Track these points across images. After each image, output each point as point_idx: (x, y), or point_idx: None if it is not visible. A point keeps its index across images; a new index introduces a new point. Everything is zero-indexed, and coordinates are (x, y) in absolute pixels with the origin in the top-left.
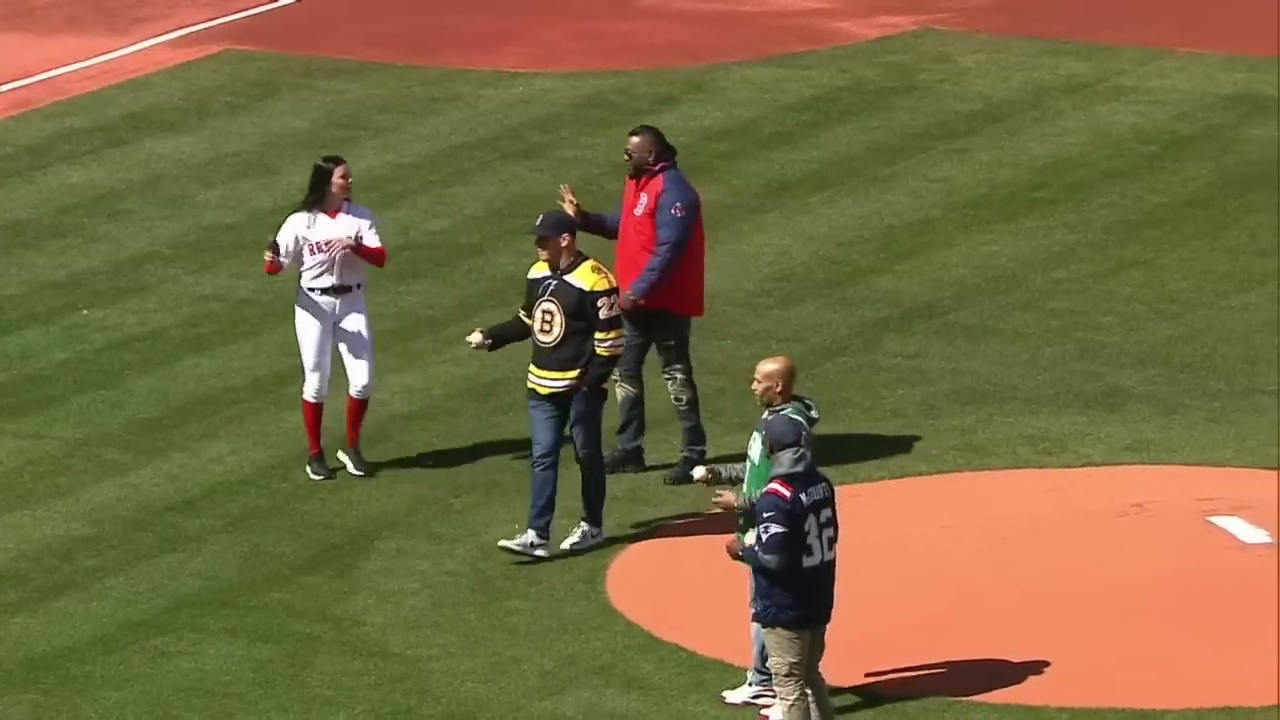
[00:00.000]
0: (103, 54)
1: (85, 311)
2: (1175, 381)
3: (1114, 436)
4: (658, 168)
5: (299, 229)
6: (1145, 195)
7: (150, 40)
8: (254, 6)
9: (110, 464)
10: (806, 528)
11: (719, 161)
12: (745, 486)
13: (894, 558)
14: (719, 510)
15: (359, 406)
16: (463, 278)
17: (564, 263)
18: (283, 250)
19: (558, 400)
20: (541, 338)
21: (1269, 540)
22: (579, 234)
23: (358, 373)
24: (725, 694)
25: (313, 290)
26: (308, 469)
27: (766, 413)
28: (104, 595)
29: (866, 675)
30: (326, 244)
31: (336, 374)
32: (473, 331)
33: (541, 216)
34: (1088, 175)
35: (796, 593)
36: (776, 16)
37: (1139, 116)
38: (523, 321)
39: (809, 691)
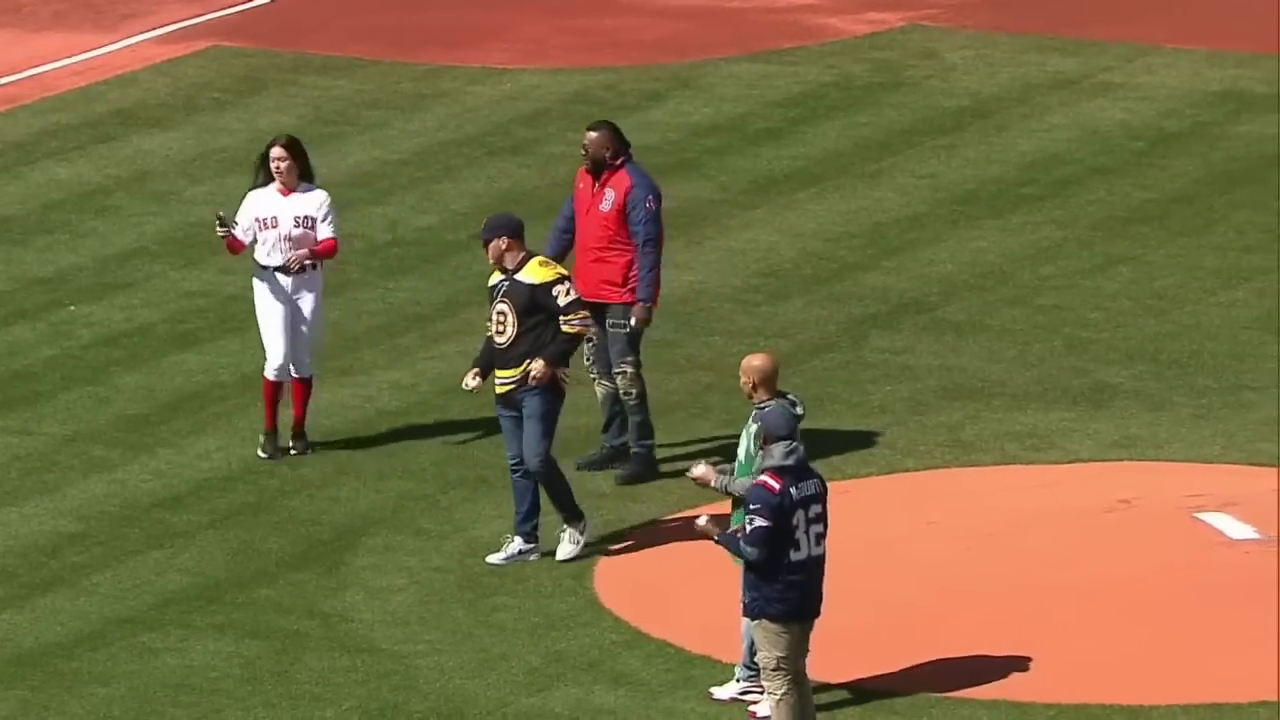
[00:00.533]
0: (90, 50)
1: (72, 308)
2: (1163, 378)
3: (1101, 433)
4: (618, 162)
5: (253, 206)
6: (1133, 191)
7: (137, 37)
8: (241, 3)
9: (98, 460)
10: (795, 522)
11: (706, 157)
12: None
13: (881, 554)
14: (696, 482)
15: (301, 386)
16: (450, 274)
17: (512, 263)
18: (241, 229)
19: (515, 401)
20: (497, 339)
21: (1256, 536)
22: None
23: (304, 353)
24: (713, 690)
25: (266, 268)
26: (258, 448)
27: (755, 409)
28: (91, 592)
29: (859, 669)
30: (274, 221)
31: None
32: (467, 375)
33: (486, 220)
34: (1075, 171)
35: (784, 586)
36: (764, 12)
37: (1126, 113)
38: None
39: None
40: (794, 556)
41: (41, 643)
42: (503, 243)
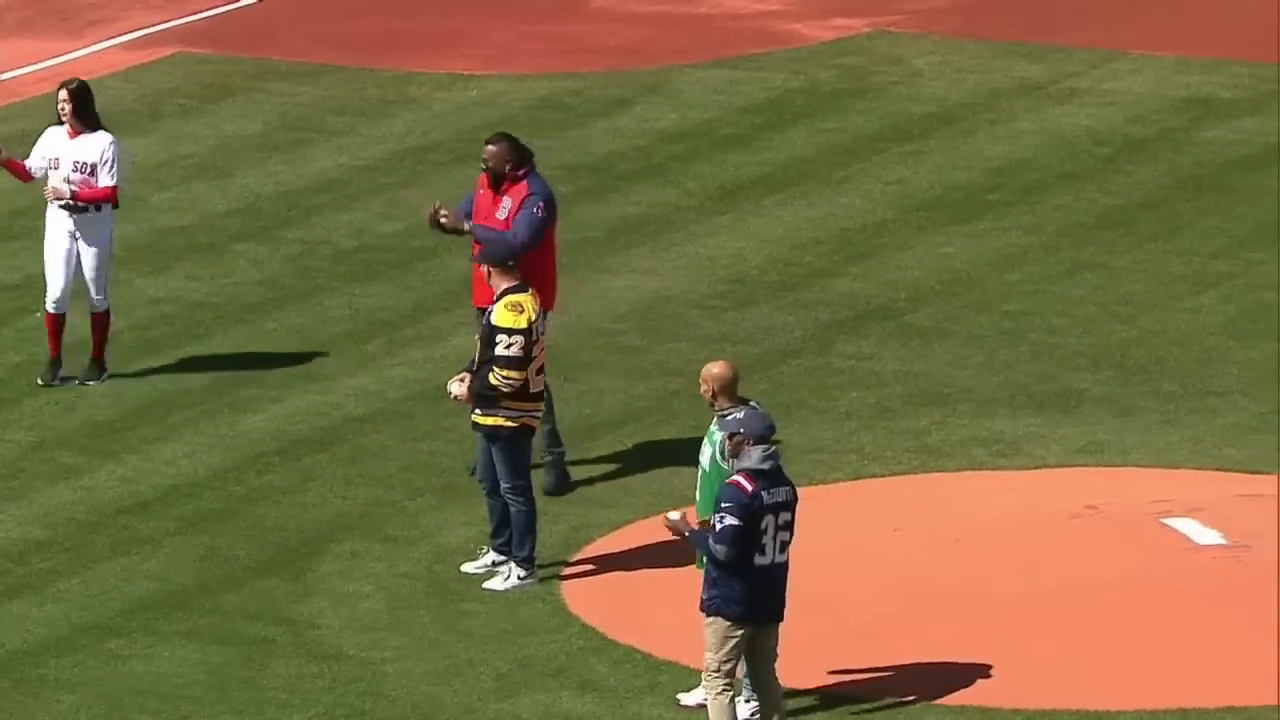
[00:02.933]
0: (56, 56)
1: (39, 314)
2: (1129, 383)
3: (1068, 438)
4: (519, 173)
5: (45, 143)
6: (1099, 197)
7: (103, 43)
8: (207, 9)
9: (64, 467)
10: (763, 526)
11: (673, 163)
12: (697, 494)
13: (848, 560)
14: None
15: (96, 320)
16: (418, 280)
17: (495, 291)
18: (34, 162)
19: (481, 430)
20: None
21: (1222, 541)
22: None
23: (92, 288)
24: (680, 696)
25: (51, 205)
26: (38, 378)
27: (717, 418)
28: (58, 598)
29: (826, 675)
30: (56, 162)
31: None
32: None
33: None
34: (1041, 177)
35: (746, 588)
36: (730, 18)
37: (1092, 119)
38: None
39: (741, 690)
40: (758, 561)
41: (8, 649)
42: (485, 270)
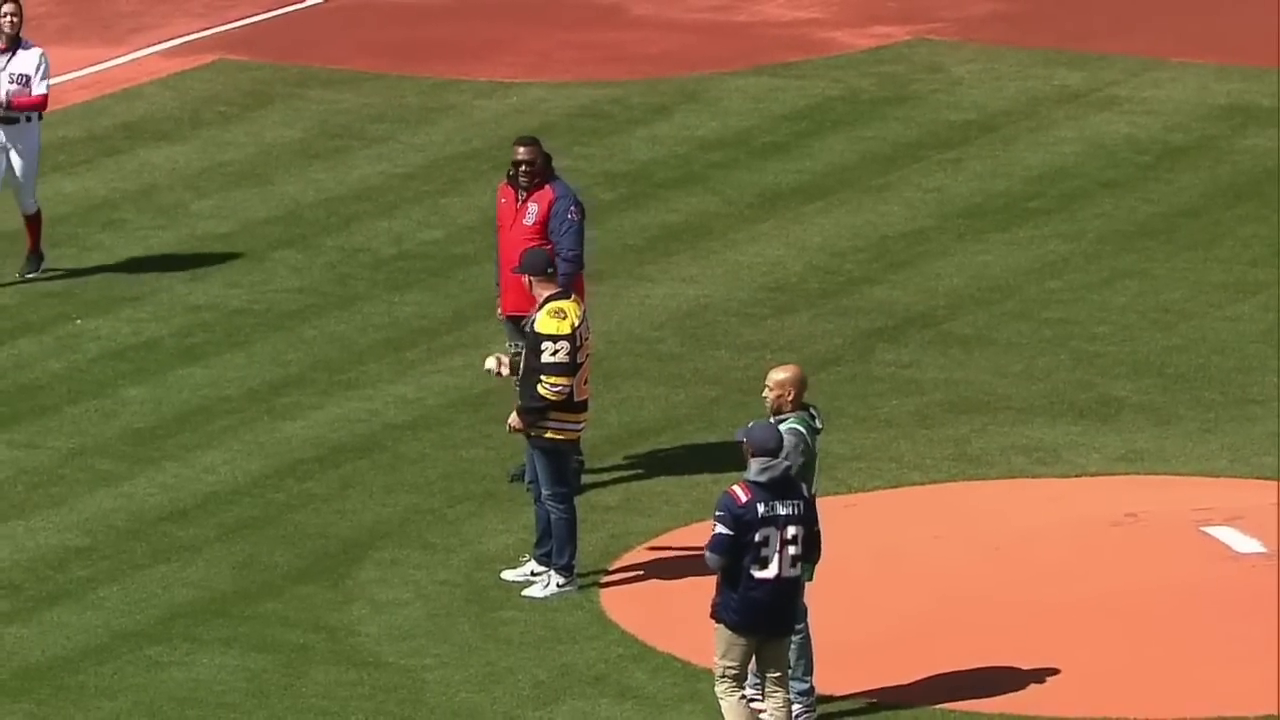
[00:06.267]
0: (96, 64)
1: (79, 321)
2: (1169, 392)
3: (1108, 446)
4: (543, 175)
5: None
6: (1139, 205)
7: (144, 50)
8: (247, 16)
9: (104, 474)
10: (763, 538)
11: (713, 171)
12: None
13: (887, 567)
14: None
15: (27, 222)
16: (457, 288)
17: (537, 300)
18: None
19: (529, 437)
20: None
21: (1262, 550)
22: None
23: (22, 195)
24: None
25: None
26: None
27: (773, 419)
28: (98, 605)
29: (865, 681)
30: None
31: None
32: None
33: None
34: (1082, 185)
35: (741, 597)
36: (770, 26)
37: (1132, 126)
38: None
39: (747, 693)
40: (760, 574)
41: (48, 656)
42: (525, 280)
